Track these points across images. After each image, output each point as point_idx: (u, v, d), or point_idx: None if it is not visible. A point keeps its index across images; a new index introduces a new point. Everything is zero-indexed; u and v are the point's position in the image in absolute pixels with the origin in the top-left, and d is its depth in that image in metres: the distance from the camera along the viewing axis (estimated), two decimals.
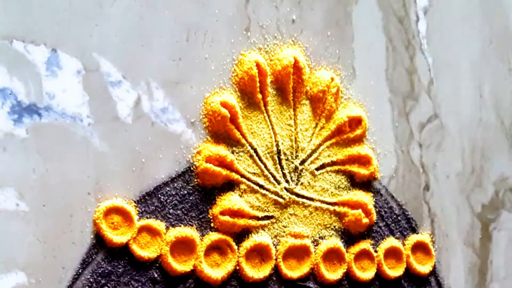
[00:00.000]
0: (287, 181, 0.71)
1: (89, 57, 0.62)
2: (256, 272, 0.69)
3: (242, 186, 0.68)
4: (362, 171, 0.76)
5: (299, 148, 0.72)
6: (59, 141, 0.60)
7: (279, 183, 0.70)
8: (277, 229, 0.71)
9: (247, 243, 0.68)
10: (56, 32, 0.60)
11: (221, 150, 0.67)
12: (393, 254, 0.78)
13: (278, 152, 0.70)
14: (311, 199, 0.73)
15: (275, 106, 0.71)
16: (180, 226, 0.66)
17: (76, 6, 0.61)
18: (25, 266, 0.58)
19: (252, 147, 0.69)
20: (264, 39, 0.71)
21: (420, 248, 0.80)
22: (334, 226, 0.75)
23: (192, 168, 0.66)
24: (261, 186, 0.70)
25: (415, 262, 0.79)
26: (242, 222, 0.67)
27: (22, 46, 0.59)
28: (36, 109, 0.59)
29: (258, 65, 0.68)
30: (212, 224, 0.67)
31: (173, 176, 0.65)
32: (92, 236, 0.62)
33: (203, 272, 0.65)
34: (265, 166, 0.70)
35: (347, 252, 0.75)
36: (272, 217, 0.70)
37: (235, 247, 0.68)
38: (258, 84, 0.69)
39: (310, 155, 0.73)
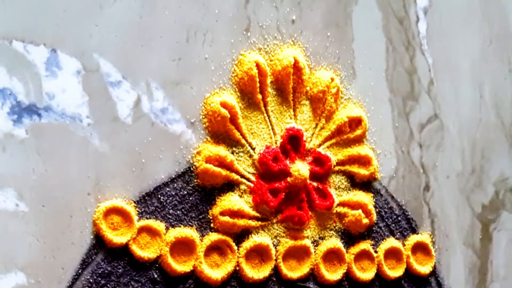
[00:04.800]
0: None
1: (89, 57, 0.62)
2: (256, 272, 0.69)
3: (242, 187, 0.68)
4: (362, 171, 0.76)
5: None
6: (59, 142, 0.60)
7: None
8: (277, 230, 0.71)
9: (247, 244, 0.68)
10: (56, 32, 0.60)
11: (221, 151, 0.67)
12: (393, 254, 0.78)
13: None
14: None
15: (275, 106, 0.71)
16: (180, 226, 0.66)
17: (76, 6, 0.61)
18: (25, 267, 0.58)
19: (252, 147, 0.69)
20: (264, 39, 0.71)
21: (420, 248, 0.80)
22: (334, 227, 0.74)
23: (192, 169, 0.66)
24: None
25: (415, 263, 0.79)
26: (242, 222, 0.67)
27: (21, 46, 0.59)
28: (35, 109, 0.59)
29: (258, 65, 0.68)
30: (212, 225, 0.67)
31: (173, 176, 0.65)
32: (91, 237, 0.61)
33: (203, 272, 0.65)
34: None
35: (347, 252, 0.75)
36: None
37: (235, 247, 0.68)
38: (258, 84, 0.68)
39: None
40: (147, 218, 0.64)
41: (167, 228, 0.65)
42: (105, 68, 0.62)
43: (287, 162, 0.70)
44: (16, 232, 0.58)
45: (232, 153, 0.68)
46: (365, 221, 0.75)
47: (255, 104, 0.69)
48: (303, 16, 0.73)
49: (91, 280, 0.61)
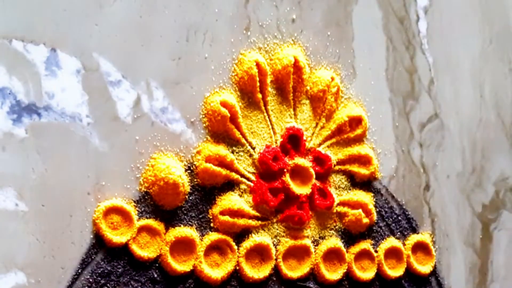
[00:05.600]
0: None
1: (89, 57, 0.61)
2: (256, 272, 0.69)
3: (242, 186, 0.68)
4: (363, 171, 0.76)
5: None
6: (59, 141, 0.60)
7: None
8: (277, 229, 0.70)
9: (247, 243, 0.68)
10: (56, 32, 0.60)
11: (221, 150, 0.66)
12: (393, 254, 0.78)
13: None
14: None
15: (275, 105, 0.71)
16: (180, 226, 0.66)
17: (76, 6, 0.61)
18: (25, 266, 0.58)
19: (252, 147, 0.69)
20: (264, 39, 0.71)
21: (420, 248, 0.80)
22: (335, 226, 0.74)
23: (192, 168, 0.66)
24: None
25: (415, 262, 0.79)
26: (242, 222, 0.67)
27: (21, 45, 0.58)
28: (35, 108, 0.59)
29: (258, 65, 0.68)
30: (212, 224, 0.67)
31: None
32: (91, 236, 0.61)
33: (203, 272, 0.65)
34: None
35: (347, 252, 0.75)
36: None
37: (235, 247, 0.68)
38: (258, 84, 0.68)
39: None
40: (147, 218, 0.64)
41: (167, 228, 0.65)
42: (105, 67, 0.62)
43: (287, 161, 0.70)
44: (16, 231, 0.58)
45: (232, 152, 0.68)
46: (365, 220, 0.75)
47: (255, 104, 0.69)
48: (303, 15, 0.73)
49: (91, 280, 0.61)
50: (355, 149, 0.75)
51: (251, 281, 0.68)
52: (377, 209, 0.77)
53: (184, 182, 0.64)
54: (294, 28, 0.73)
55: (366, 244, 0.76)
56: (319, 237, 0.73)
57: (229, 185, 0.68)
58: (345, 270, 0.74)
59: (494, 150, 0.89)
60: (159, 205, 0.64)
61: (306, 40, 0.73)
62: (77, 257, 0.61)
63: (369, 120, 0.77)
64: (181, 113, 0.66)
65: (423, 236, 0.81)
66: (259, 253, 0.69)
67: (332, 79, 0.73)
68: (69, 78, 0.61)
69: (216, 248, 0.67)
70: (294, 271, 0.71)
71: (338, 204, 0.74)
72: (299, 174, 0.71)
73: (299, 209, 0.70)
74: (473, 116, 0.87)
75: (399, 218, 0.79)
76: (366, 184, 0.77)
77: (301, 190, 0.70)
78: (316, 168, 0.72)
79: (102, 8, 0.62)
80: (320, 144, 0.73)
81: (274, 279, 0.70)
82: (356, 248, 0.75)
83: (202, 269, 0.65)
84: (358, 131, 0.75)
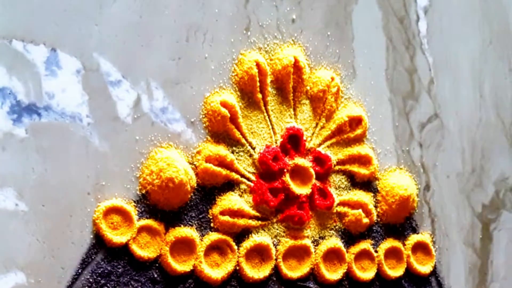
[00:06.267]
0: None
1: (89, 57, 0.61)
2: (256, 272, 0.69)
3: (242, 186, 0.68)
4: (363, 171, 0.76)
5: None
6: (59, 141, 0.60)
7: None
8: (277, 229, 0.70)
9: (247, 243, 0.68)
10: (56, 32, 0.60)
11: (221, 150, 0.66)
12: (393, 254, 0.78)
13: None
14: None
15: (275, 105, 0.71)
16: (180, 226, 0.65)
17: (76, 6, 0.61)
18: (25, 266, 0.58)
19: (252, 147, 0.69)
20: (264, 39, 0.71)
21: (420, 248, 0.80)
22: (335, 226, 0.74)
23: (192, 168, 0.66)
24: None
25: (415, 262, 0.79)
26: (242, 222, 0.67)
27: (21, 45, 0.58)
28: (35, 108, 0.59)
29: (258, 65, 0.68)
30: (212, 224, 0.67)
31: None
32: (91, 236, 0.61)
33: (203, 272, 0.65)
34: None
35: (347, 252, 0.75)
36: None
37: (235, 247, 0.68)
38: (258, 84, 0.68)
39: None
40: (147, 218, 0.64)
41: (167, 228, 0.65)
42: (105, 67, 0.62)
43: (287, 161, 0.70)
44: (16, 231, 0.58)
45: (232, 152, 0.68)
46: (365, 220, 0.75)
47: (255, 104, 0.69)
48: (303, 15, 0.73)
49: (91, 280, 0.61)
50: (355, 149, 0.75)
51: (251, 281, 0.68)
52: (377, 209, 0.77)
53: (188, 180, 0.64)
54: (294, 28, 0.73)
55: (366, 244, 0.76)
56: (319, 237, 0.73)
57: (229, 185, 0.68)
58: (345, 270, 0.74)
59: (494, 150, 0.89)
60: (159, 205, 0.64)
61: (306, 40, 0.73)
62: (77, 257, 0.61)
63: (369, 120, 0.77)
64: (181, 113, 0.66)
65: (423, 236, 0.81)
66: (259, 253, 0.69)
67: (332, 79, 0.73)
68: (69, 78, 0.61)
69: (216, 248, 0.67)
70: (294, 271, 0.71)
71: (338, 204, 0.74)
72: (299, 174, 0.71)
73: (299, 209, 0.70)
74: (473, 116, 0.87)
75: None
76: (366, 184, 0.77)
77: (301, 190, 0.70)
78: (316, 168, 0.72)
79: (102, 8, 0.62)
80: (320, 144, 0.73)
81: (274, 279, 0.70)
82: (356, 248, 0.75)
83: (202, 269, 0.65)
84: (358, 131, 0.75)
